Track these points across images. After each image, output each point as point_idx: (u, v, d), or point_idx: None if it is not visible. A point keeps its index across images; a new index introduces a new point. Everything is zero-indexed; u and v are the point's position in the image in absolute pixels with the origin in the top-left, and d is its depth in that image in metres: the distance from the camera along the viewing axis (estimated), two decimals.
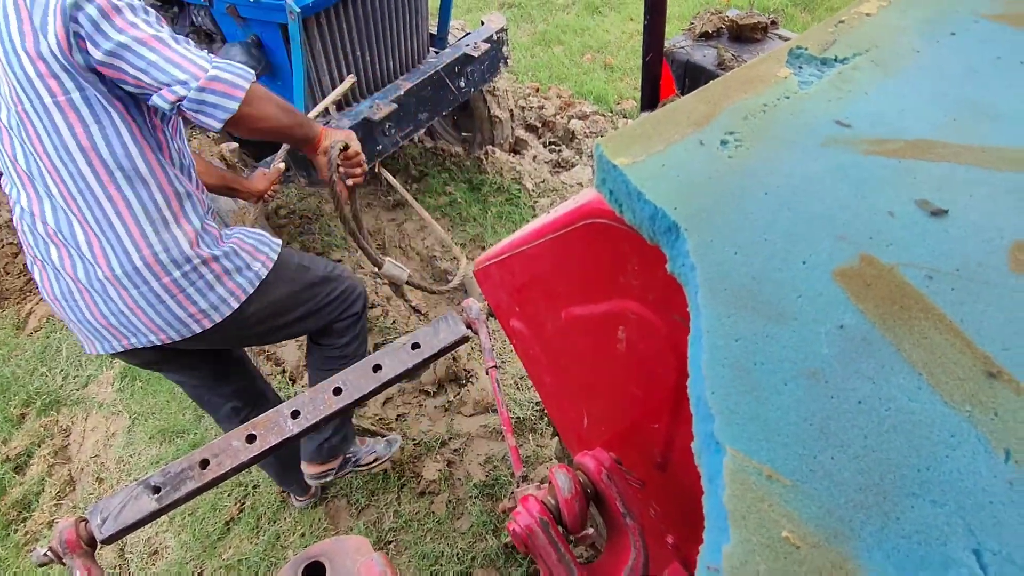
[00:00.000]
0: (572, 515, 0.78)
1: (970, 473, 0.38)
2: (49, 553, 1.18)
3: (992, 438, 0.39)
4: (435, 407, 2.50)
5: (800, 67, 0.72)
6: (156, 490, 1.24)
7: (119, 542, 2.23)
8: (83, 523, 1.22)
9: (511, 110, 3.23)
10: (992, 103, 0.63)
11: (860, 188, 0.56)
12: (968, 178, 0.55)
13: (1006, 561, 0.35)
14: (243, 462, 1.32)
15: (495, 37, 2.73)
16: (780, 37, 1.21)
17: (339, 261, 2.95)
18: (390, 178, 2.44)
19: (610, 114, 3.54)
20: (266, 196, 1.92)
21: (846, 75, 0.70)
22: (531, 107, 3.61)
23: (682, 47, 1.08)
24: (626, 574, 0.80)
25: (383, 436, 2.27)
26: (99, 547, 1.22)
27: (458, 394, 2.50)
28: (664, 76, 1.13)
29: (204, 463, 1.29)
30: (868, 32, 0.75)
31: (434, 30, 2.91)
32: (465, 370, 2.53)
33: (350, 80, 2.33)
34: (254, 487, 2.32)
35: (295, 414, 1.37)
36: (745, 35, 1.14)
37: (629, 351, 0.80)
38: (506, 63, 2.80)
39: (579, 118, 3.48)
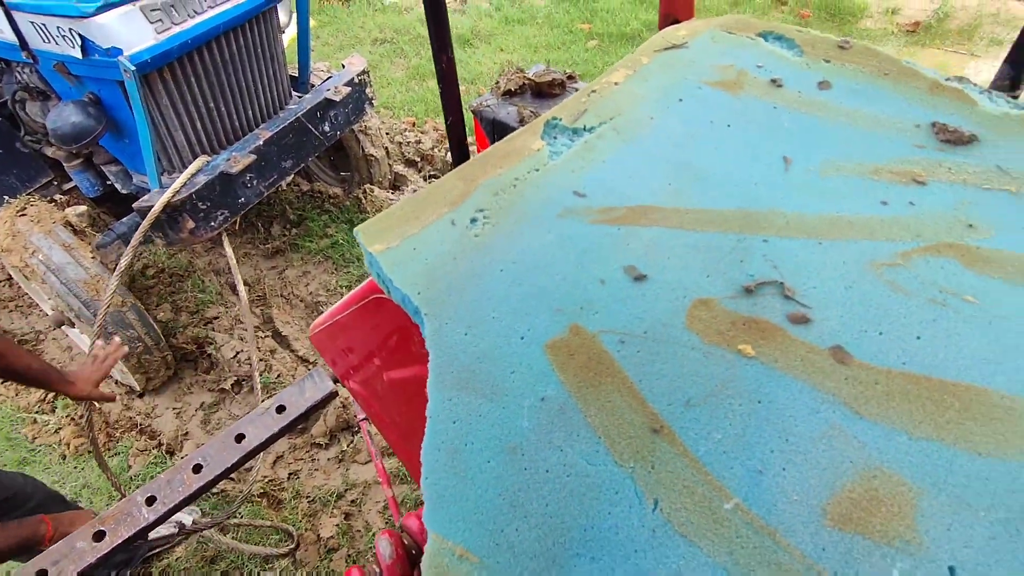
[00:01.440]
0: None
1: (625, 526, 0.44)
2: None
3: (647, 490, 0.45)
4: (328, 459, 2.44)
5: (555, 137, 0.80)
6: None
7: None
8: None
9: (386, 147, 3.25)
10: (702, 166, 0.73)
11: (582, 258, 0.63)
12: (670, 242, 0.64)
13: None
14: (90, 563, 1.23)
15: (357, 80, 2.74)
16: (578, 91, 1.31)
17: (216, 319, 2.82)
18: (228, 251, 2.37)
19: None
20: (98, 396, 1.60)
21: (591, 144, 0.78)
22: (408, 142, 3.64)
23: (488, 105, 1.15)
24: None
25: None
26: None
27: (351, 442, 2.45)
28: (478, 134, 1.20)
29: (41, 574, 1.19)
30: (614, 101, 0.84)
31: (296, 73, 2.88)
32: (356, 416, 2.49)
33: (200, 161, 2.28)
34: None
35: (150, 500, 1.29)
36: (544, 91, 1.24)
37: None
38: (371, 104, 2.82)
39: None
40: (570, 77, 1.23)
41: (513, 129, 1.15)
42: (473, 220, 0.68)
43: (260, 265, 3.13)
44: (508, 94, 1.15)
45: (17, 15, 2.13)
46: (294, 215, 3.29)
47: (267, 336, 2.81)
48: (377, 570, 0.81)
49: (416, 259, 0.64)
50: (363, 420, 1.46)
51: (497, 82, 1.18)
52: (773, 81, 0.83)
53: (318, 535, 2.18)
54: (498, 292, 0.60)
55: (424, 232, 0.67)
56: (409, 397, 0.90)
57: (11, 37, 2.22)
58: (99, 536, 1.27)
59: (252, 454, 1.43)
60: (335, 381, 1.50)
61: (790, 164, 0.72)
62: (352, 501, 2.29)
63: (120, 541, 1.29)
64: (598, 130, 0.80)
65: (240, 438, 1.40)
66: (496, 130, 1.12)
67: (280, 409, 1.45)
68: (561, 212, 0.68)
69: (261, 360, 2.71)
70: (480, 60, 4.38)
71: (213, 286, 2.94)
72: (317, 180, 3.46)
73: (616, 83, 0.87)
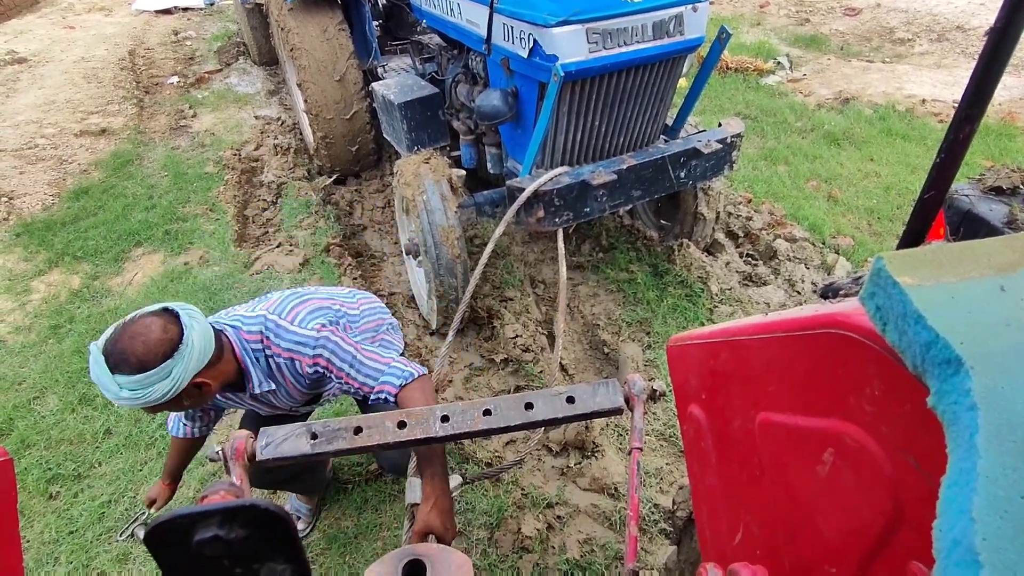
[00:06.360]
0: None
1: None
2: (220, 453, 1.36)
3: None
4: (552, 467, 2.47)
5: None
6: (314, 436, 1.37)
7: None
8: (251, 440, 1.39)
9: (718, 212, 3.22)
10: None
11: None
12: None
13: None
14: (388, 442, 1.41)
15: (729, 140, 2.77)
16: None
17: (510, 300, 3.10)
18: (561, 247, 2.55)
19: (821, 245, 3.36)
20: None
21: None
22: (738, 215, 3.56)
23: (965, 195, 1.01)
24: None
25: None
26: (254, 464, 1.39)
27: (579, 463, 2.45)
28: (936, 220, 1.07)
29: (358, 430, 1.40)
30: None
31: (670, 120, 3.04)
32: (594, 443, 2.48)
33: (562, 169, 2.56)
34: (374, 478, 2.46)
35: (445, 418, 1.44)
36: None
37: (831, 479, 0.74)
38: (732, 167, 2.82)
39: (787, 240, 3.34)
40: None
41: (993, 228, 0.99)
42: None
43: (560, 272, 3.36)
44: (995, 190, 1.00)
45: (497, 17, 2.62)
46: (606, 241, 3.46)
47: (543, 334, 3.00)
48: None
49: (955, 307, 0.56)
50: (637, 449, 1.41)
51: (982, 174, 1.04)
52: None
53: (519, 528, 2.21)
54: None
55: (963, 285, 0.59)
56: (787, 450, 0.82)
57: (481, 31, 2.76)
58: (402, 425, 1.45)
59: (532, 424, 1.49)
60: (626, 401, 1.49)
61: None
62: (558, 517, 2.28)
63: (413, 438, 1.46)
64: None
65: (529, 406, 1.47)
66: (966, 223, 0.98)
67: (570, 400, 1.49)
68: None
69: (530, 351, 2.90)
70: (842, 163, 4.09)
71: (519, 273, 3.25)
72: (638, 218, 3.59)
73: None
